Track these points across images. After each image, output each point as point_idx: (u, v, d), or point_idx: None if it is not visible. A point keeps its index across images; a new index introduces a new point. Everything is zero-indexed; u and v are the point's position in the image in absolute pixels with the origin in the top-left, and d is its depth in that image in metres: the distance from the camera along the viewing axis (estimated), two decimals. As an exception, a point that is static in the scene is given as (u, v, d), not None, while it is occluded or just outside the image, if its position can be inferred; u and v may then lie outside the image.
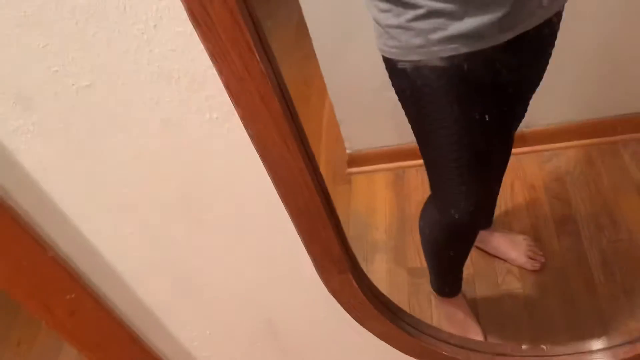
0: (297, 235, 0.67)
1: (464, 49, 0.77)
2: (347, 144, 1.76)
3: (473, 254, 1.54)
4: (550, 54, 0.94)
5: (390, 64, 0.85)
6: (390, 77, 0.88)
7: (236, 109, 0.56)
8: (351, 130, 1.72)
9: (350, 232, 1.68)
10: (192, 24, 0.50)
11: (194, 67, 0.54)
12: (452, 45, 0.75)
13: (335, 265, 0.68)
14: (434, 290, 1.37)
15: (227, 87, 0.54)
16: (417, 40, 0.76)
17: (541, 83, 1.02)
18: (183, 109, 0.58)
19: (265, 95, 0.53)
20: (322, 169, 1.81)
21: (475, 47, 0.76)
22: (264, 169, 0.61)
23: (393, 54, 0.82)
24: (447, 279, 1.33)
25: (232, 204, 0.66)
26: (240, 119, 0.57)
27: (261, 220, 0.68)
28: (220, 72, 0.53)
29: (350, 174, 1.81)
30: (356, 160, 1.79)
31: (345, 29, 1.44)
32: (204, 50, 0.52)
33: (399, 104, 0.93)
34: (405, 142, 1.74)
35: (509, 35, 0.77)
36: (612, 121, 1.68)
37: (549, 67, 0.98)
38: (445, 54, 0.76)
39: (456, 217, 0.99)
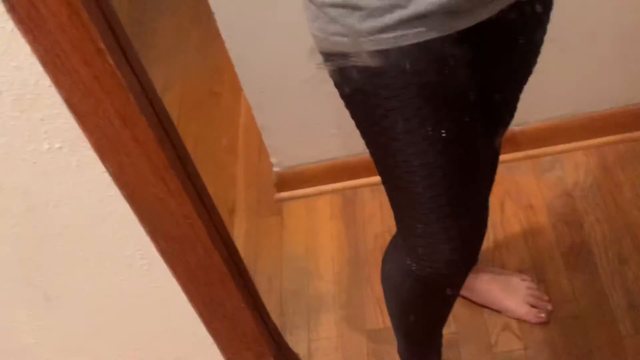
0: (192, 309, 0.65)
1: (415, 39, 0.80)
2: (273, 160, 1.79)
3: (455, 305, 1.37)
4: (528, 45, 0.99)
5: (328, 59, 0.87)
6: (331, 75, 0.90)
7: (86, 136, 0.54)
8: (278, 140, 1.74)
9: (283, 283, 1.69)
10: (12, 19, 0.48)
11: (20, 77, 0.52)
12: (416, 30, 0.79)
13: (249, 347, 0.66)
14: (403, 361, 1.37)
15: (70, 105, 0.52)
16: (367, 24, 0.79)
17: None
18: (10, 135, 0.56)
19: (128, 116, 0.52)
20: (241, 197, 1.91)
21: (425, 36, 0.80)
22: (135, 218, 0.60)
23: (336, 44, 0.83)
24: (420, 348, 1.33)
25: (88, 269, 0.64)
26: (94, 149, 0.55)
27: (137, 290, 0.66)
28: (58, 84, 0.51)
29: (281, 200, 1.84)
30: (287, 181, 1.81)
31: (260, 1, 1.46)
32: (33, 55, 0.50)
33: (341, 101, 0.95)
34: (355, 153, 1.75)
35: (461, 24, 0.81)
36: (632, 112, 1.73)
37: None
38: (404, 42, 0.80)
39: (434, 267, 1.00)
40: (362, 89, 0.84)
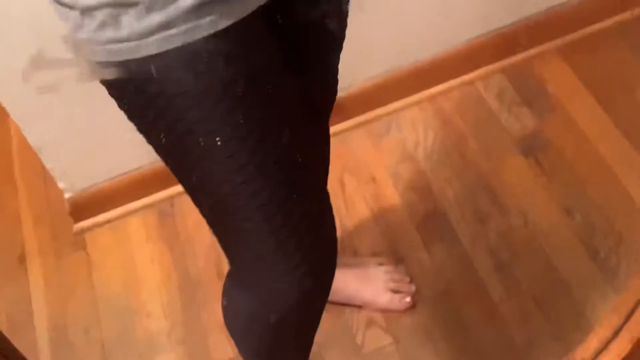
0: None
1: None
2: (62, 185, 1.67)
3: None
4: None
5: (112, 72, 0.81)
6: (115, 94, 0.87)
7: None
8: (62, 160, 1.63)
9: (104, 331, 1.58)
10: None
11: None
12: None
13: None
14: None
15: None
16: (148, 21, 0.75)
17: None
18: None
19: None
20: (30, 237, 1.79)
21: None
22: None
23: (114, 53, 0.78)
24: None
25: None
26: None
27: None
28: None
29: (82, 231, 1.74)
30: (85, 206, 1.72)
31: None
32: None
33: None
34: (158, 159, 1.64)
35: None
36: (457, 53, 1.74)
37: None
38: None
39: (286, 303, 0.98)
40: (155, 102, 0.80)
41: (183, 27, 0.75)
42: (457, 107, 1.74)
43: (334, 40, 1.03)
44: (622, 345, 0.72)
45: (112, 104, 1.48)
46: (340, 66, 1.71)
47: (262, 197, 0.86)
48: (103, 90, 1.44)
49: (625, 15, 1.76)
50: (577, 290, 1.43)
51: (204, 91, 0.79)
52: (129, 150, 1.61)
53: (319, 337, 1.42)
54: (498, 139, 1.65)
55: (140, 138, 1.56)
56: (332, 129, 1.76)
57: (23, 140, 1.62)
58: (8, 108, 1.49)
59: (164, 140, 0.86)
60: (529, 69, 1.74)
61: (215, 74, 0.78)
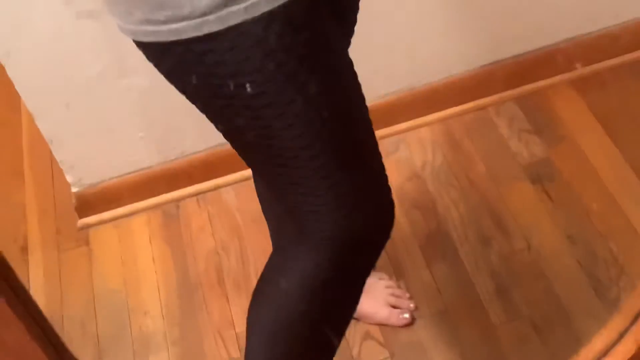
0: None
1: None
2: (70, 178, 1.68)
3: None
4: None
5: (166, 51, 0.83)
6: (169, 74, 0.88)
7: None
8: (72, 153, 1.64)
9: (100, 327, 1.59)
10: None
11: None
12: None
13: None
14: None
15: None
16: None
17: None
18: None
19: None
20: (34, 229, 2.11)
21: None
22: None
23: (173, 33, 0.80)
24: None
25: None
26: None
27: None
28: None
29: (86, 227, 1.75)
30: (91, 202, 1.73)
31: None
32: None
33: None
34: (171, 159, 1.70)
35: None
36: (474, 77, 1.75)
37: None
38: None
39: (355, 235, 0.98)
40: (215, 74, 0.82)
41: (243, 5, 0.77)
42: (468, 130, 1.74)
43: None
44: (627, 347, 0.73)
45: (127, 102, 1.53)
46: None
47: (315, 149, 0.88)
48: (120, 88, 1.48)
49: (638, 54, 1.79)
50: (576, 317, 1.42)
51: (265, 56, 0.80)
52: (140, 149, 1.66)
53: (314, 346, 1.48)
54: (506, 165, 1.66)
55: (151, 138, 1.61)
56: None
57: (34, 133, 1.67)
58: (24, 97, 1.52)
59: (223, 113, 0.87)
60: (542, 99, 1.76)
61: (280, 43, 0.80)
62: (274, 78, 0.83)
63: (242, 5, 0.77)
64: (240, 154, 0.96)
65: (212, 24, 0.78)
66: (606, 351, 0.77)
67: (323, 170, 0.92)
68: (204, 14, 0.78)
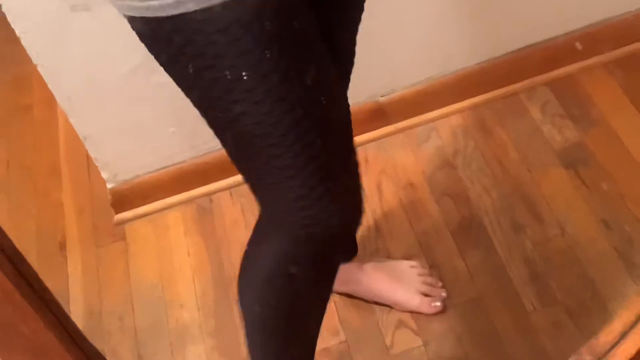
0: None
1: None
2: (105, 175, 1.71)
3: (341, 309, 1.53)
4: None
5: (153, 29, 0.82)
6: (155, 50, 0.87)
7: None
8: (107, 150, 1.66)
9: (137, 320, 1.61)
10: None
11: None
12: None
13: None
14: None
15: None
16: None
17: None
18: None
19: None
20: (72, 225, 2.06)
21: None
22: None
23: (157, 9, 0.79)
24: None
25: None
26: None
27: None
28: None
29: (122, 222, 1.77)
30: (126, 198, 1.75)
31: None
32: None
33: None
34: (203, 153, 1.71)
35: None
36: (505, 63, 1.74)
37: None
38: None
39: (325, 231, 0.97)
40: (184, 53, 0.81)
41: None
42: (499, 117, 1.74)
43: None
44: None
45: (159, 98, 1.55)
46: (383, 72, 1.73)
47: (283, 126, 0.87)
48: (152, 85, 1.51)
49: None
50: (611, 303, 1.41)
51: (232, 22, 0.79)
52: (173, 145, 1.68)
53: (348, 334, 1.49)
54: (539, 150, 1.65)
55: (183, 133, 1.64)
56: (372, 134, 1.81)
57: (70, 131, 1.68)
58: (57, 96, 1.54)
59: (190, 73, 0.86)
60: (574, 83, 1.74)
61: (244, 6, 0.79)
62: (250, 62, 0.82)
63: None
64: (216, 134, 0.95)
65: (189, 4, 0.78)
66: (626, 332, 0.77)
67: (309, 158, 0.91)
68: None
